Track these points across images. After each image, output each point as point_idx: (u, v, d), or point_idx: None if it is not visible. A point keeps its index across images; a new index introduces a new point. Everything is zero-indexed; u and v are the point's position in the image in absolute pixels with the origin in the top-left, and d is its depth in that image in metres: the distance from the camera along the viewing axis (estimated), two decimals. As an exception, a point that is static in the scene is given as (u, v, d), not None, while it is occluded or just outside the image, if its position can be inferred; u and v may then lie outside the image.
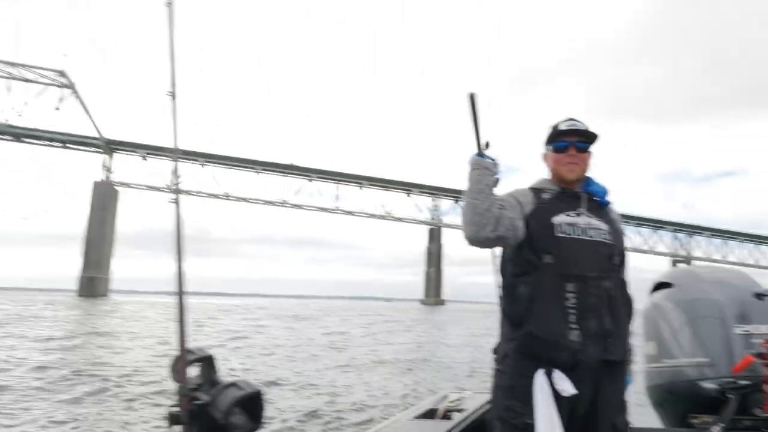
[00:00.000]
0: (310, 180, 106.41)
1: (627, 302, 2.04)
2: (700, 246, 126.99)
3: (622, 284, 2.05)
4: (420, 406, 2.83)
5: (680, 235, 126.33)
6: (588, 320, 1.89)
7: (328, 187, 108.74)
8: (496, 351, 2.16)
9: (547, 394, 1.82)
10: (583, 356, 1.87)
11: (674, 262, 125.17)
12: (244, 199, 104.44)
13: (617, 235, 2.08)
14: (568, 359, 1.87)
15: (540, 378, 1.85)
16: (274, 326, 26.15)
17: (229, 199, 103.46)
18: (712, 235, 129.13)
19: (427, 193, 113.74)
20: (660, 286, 3.09)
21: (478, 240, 1.87)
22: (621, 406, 2.00)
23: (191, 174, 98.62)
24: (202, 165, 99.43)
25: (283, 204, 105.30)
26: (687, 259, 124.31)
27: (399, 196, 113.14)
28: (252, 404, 1.11)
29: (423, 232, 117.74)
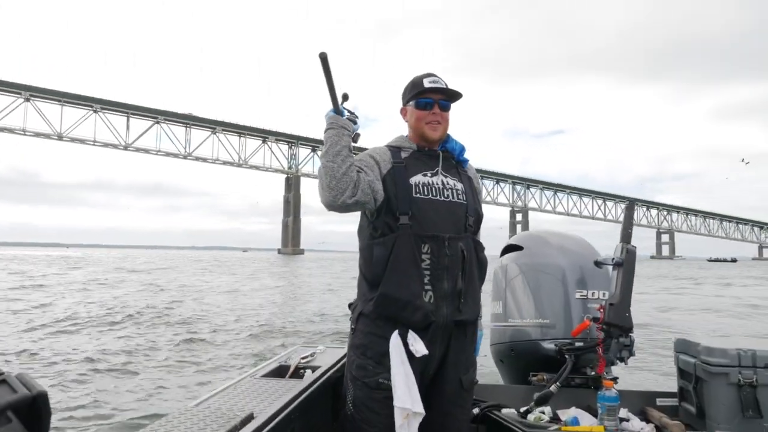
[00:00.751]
0: (158, 122, 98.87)
1: (480, 263, 2.03)
2: (534, 197, 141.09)
3: (477, 245, 2.02)
4: (269, 363, 2.68)
5: (518, 187, 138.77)
6: (442, 281, 1.89)
7: (179, 130, 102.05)
8: (351, 306, 2.16)
9: (401, 354, 1.83)
10: (435, 317, 1.87)
11: (512, 212, 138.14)
12: (81, 141, 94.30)
13: (473, 194, 2.06)
14: (421, 320, 1.86)
15: (395, 339, 1.85)
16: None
17: (62, 140, 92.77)
18: (544, 187, 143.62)
19: (284, 141, 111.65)
20: (510, 248, 3.16)
21: (335, 206, 1.81)
22: (469, 364, 2.03)
23: (9, 109, 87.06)
24: (27, 99, 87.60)
25: (126, 148, 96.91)
26: (523, 210, 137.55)
27: (255, 143, 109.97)
28: (31, 410, 0.80)
29: (280, 181, 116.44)
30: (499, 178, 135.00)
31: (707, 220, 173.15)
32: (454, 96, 2.04)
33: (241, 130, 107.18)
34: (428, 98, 2.00)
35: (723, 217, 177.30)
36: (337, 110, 1.87)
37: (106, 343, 8.69)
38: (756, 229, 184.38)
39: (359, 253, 2.00)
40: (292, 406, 2.05)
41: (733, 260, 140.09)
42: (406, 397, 1.78)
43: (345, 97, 1.89)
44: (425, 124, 2.00)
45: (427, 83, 2.01)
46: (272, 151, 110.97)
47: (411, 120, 2.05)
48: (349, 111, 1.89)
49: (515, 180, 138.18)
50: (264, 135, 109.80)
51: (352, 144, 1.89)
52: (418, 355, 1.84)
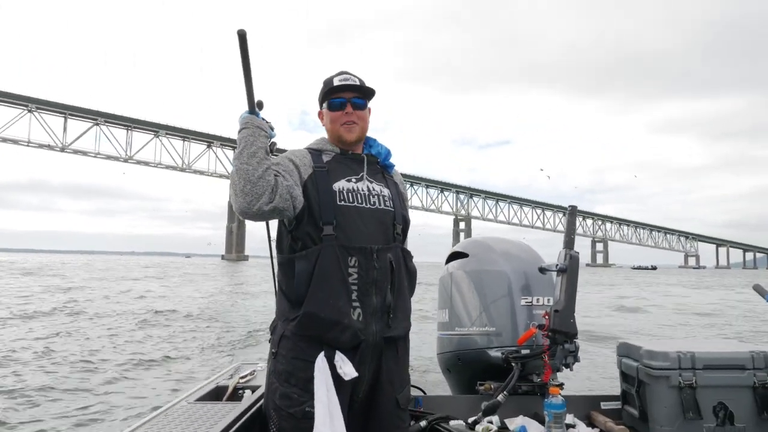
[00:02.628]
0: (98, 124, 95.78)
1: (410, 274, 1.92)
2: (477, 206, 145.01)
3: (405, 254, 1.90)
4: (205, 385, 2.49)
5: (461, 196, 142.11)
6: (370, 296, 1.75)
7: (119, 133, 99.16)
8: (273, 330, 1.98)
9: (326, 379, 1.68)
10: (365, 335, 1.74)
11: (456, 220, 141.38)
12: (14, 141, 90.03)
13: (400, 200, 1.94)
14: (350, 340, 1.72)
15: (320, 362, 1.70)
16: None
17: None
18: (486, 197, 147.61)
19: (229, 146, 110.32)
20: (455, 255, 3.11)
21: (250, 213, 1.63)
22: (403, 382, 1.91)
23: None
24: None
25: (63, 150, 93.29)
26: (466, 218, 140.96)
27: (199, 147, 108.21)
28: None
29: (225, 186, 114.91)
30: (443, 186, 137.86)
31: (638, 230, 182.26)
32: (368, 93, 1.91)
33: (185, 134, 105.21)
34: (340, 98, 1.88)
35: (652, 228, 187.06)
36: (252, 110, 1.71)
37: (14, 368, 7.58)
38: (682, 238, 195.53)
39: (278, 268, 1.86)
40: (230, 431, 1.93)
41: (654, 268, 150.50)
42: (327, 427, 1.64)
43: (260, 105, 1.72)
44: (341, 125, 1.88)
45: (337, 81, 1.90)
46: (217, 156, 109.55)
47: (326, 122, 1.93)
48: (264, 120, 1.73)
49: (459, 189, 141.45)
50: (209, 140, 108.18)
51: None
52: (346, 378, 1.69)
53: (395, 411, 1.86)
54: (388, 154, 1.99)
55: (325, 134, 1.97)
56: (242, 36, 1.57)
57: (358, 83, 1.90)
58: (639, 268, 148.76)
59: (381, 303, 1.78)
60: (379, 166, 1.96)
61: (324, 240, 1.73)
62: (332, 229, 1.74)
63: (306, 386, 1.70)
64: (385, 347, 1.81)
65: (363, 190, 1.84)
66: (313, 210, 1.76)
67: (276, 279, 1.92)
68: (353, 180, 1.85)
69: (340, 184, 1.81)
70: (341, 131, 1.88)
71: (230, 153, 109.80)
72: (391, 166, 2.01)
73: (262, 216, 1.67)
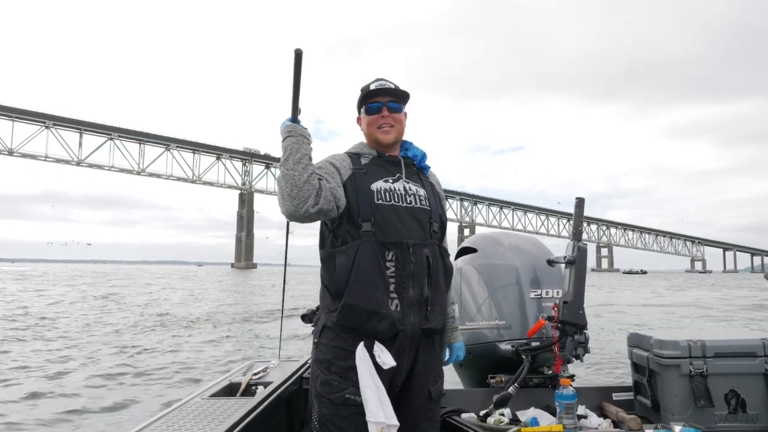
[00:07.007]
0: (112, 139, 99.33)
1: (447, 270, 1.98)
2: (481, 213, 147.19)
3: (442, 251, 1.96)
4: (219, 382, 2.56)
5: (465, 203, 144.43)
6: (408, 289, 1.81)
7: (132, 146, 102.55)
8: (304, 317, 2.13)
9: (369, 367, 1.74)
10: (403, 326, 1.79)
11: (461, 227, 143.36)
12: (33, 157, 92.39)
13: (436, 200, 2.01)
14: (388, 329, 1.78)
15: (360, 351, 1.76)
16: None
17: (12, 156, 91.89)
18: (490, 204, 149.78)
19: (237, 157, 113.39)
20: (464, 251, 3.15)
21: (298, 215, 1.70)
22: (437, 375, 1.96)
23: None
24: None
25: (79, 164, 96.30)
26: (471, 225, 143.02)
27: (209, 159, 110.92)
28: None
29: (234, 196, 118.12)
30: (447, 194, 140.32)
31: (643, 235, 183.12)
32: (403, 96, 2.00)
33: (195, 147, 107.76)
34: (376, 102, 1.97)
35: (658, 233, 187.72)
36: (294, 118, 1.78)
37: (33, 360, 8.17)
38: (688, 243, 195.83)
39: (321, 264, 1.92)
40: (243, 424, 1.96)
41: (643, 272, 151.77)
42: (379, 411, 1.70)
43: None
44: (377, 128, 1.97)
45: (373, 86, 1.98)
46: (226, 168, 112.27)
47: (364, 126, 2.02)
48: (302, 126, 1.78)
49: (463, 196, 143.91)
50: (218, 152, 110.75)
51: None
52: (385, 367, 1.75)
53: (427, 403, 1.92)
54: (423, 156, 2.08)
55: (363, 139, 2.06)
56: (299, 55, 1.67)
57: (393, 87, 1.99)
58: (630, 272, 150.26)
59: (418, 295, 1.83)
60: (416, 168, 2.05)
61: (363, 236, 1.81)
62: (370, 226, 1.81)
63: (345, 374, 1.78)
64: (423, 339, 1.87)
65: (399, 190, 1.91)
66: (351, 208, 1.83)
67: (285, 278, 2.32)
68: (390, 180, 1.92)
69: (378, 185, 1.89)
70: (378, 134, 1.97)
71: (239, 164, 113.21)
72: (427, 167, 2.10)
73: (309, 218, 1.74)
